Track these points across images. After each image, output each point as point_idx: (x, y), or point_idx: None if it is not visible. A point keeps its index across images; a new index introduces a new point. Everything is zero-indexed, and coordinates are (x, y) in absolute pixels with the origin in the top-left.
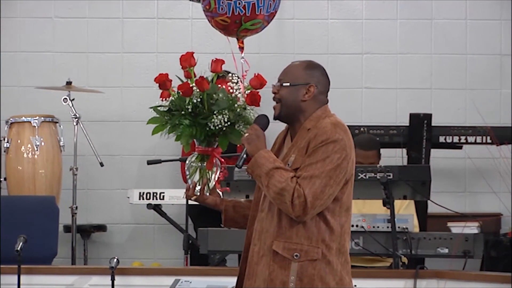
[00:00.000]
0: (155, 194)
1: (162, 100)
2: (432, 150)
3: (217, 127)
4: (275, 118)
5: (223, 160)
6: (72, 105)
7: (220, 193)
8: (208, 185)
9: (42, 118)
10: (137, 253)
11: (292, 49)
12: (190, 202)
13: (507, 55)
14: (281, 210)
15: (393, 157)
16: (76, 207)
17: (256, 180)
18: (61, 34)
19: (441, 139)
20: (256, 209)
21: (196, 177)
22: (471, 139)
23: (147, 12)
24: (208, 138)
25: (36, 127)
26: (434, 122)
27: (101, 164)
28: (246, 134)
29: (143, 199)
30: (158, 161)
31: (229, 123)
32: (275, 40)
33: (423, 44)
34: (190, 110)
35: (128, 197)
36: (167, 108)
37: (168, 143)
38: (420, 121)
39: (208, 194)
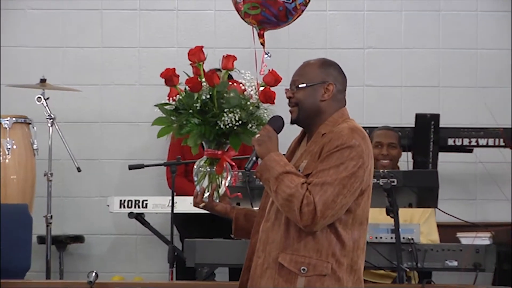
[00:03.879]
0: (137, 202)
1: (169, 100)
2: (440, 153)
3: (227, 127)
4: (292, 123)
5: (234, 164)
6: (47, 105)
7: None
8: (217, 191)
9: (14, 119)
10: (118, 267)
11: (287, 43)
12: (175, 210)
13: None
14: (289, 219)
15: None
16: (51, 216)
17: (264, 185)
18: (35, 27)
19: (450, 141)
20: (262, 215)
21: (205, 182)
22: (482, 141)
23: (129, 3)
24: (218, 138)
25: (7, 128)
26: (442, 123)
27: (78, 169)
28: (258, 135)
29: (124, 207)
30: (141, 166)
31: (240, 122)
32: (268, 33)
33: (430, 37)
34: (198, 107)
35: (108, 205)
36: (173, 107)
37: (151, 146)
38: (427, 122)
39: (217, 201)
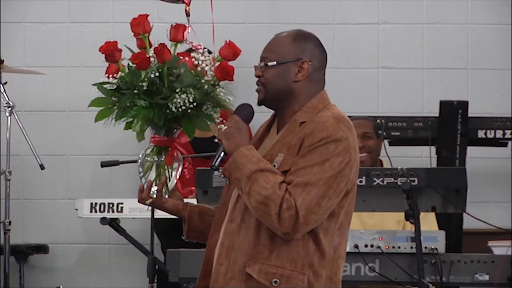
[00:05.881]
0: (111, 206)
1: (108, 77)
2: (468, 148)
3: (180, 109)
4: (259, 104)
5: (185, 152)
6: (4, 91)
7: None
8: (167, 185)
9: None
10: (88, 281)
11: (288, 17)
12: (156, 215)
13: None
14: (260, 222)
15: (419, 157)
16: (10, 222)
17: (235, 185)
18: None
19: (481, 133)
20: (224, 212)
21: (152, 174)
22: None
23: None
24: (169, 123)
25: None
26: (471, 112)
27: (42, 167)
28: (224, 127)
29: (95, 211)
30: (115, 163)
31: (195, 104)
32: (266, 6)
33: (457, 11)
34: (145, 87)
35: (77, 209)
36: (115, 86)
37: (128, 140)
38: (453, 110)
39: (167, 196)
